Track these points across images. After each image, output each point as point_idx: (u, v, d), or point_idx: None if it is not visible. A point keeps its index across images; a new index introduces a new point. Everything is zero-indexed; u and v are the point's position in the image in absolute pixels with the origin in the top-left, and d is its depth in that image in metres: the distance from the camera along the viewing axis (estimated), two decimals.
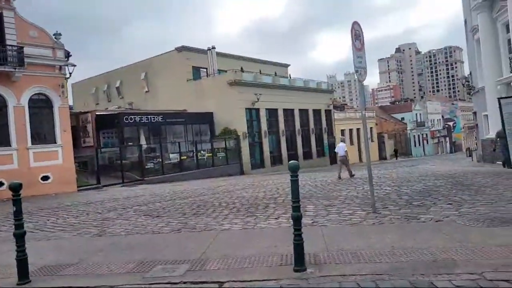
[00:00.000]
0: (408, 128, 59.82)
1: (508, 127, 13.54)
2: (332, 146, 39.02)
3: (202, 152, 27.19)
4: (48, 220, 9.20)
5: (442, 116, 71.30)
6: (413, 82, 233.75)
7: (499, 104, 13.86)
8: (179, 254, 5.06)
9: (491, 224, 5.47)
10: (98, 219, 8.66)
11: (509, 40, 16.61)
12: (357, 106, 71.78)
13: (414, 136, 60.90)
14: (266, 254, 4.69)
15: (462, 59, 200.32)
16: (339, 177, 14.36)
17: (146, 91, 36.03)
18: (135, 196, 13.27)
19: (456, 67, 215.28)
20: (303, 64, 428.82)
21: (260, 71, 37.90)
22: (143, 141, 25.28)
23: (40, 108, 18.47)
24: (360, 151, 42.90)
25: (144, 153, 23.75)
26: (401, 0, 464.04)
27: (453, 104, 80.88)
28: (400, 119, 61.86)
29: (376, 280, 3.61)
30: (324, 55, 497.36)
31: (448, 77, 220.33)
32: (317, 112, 38.38)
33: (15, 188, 4.36)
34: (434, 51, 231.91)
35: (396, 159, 47.09)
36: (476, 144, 25.22)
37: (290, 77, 40.32)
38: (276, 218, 7.11)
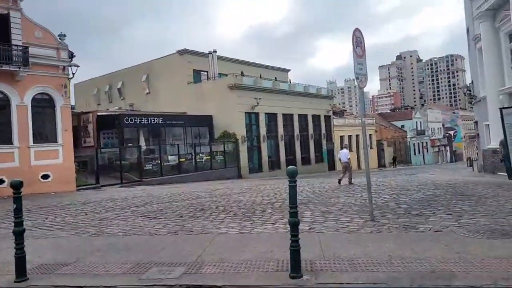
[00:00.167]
0: (408, 136, 59.62)
1: (510, 138, 13.51)
2: (330, 152, 39.05)
3: (200, 155, 27.26)
4: (46, 218, 9.21)
5: (443, 125, 71.09)
6: (414, 90, 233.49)
7: (501, 114, 13.85)
8: (176, 256, 5.06)
9: (491, 236, 5.39)
10: (96, 219, 8.66)
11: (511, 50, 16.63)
12: (357, 113, 71.78)
13: (414, 144, 60.66)
14: (262, 259, 4.68)
15: (464, 68, 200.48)
16: (339, 183, 14.52)
17: (147, 93, 36.15)
18: (133, 197, 13.26)
19: (457, 76, 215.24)
20: (303, 70, 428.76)
21: (260, 75, 37.95)
22: (142, 143, 25.36)
23: (43, 107, 18.53)
24: (359, 158, 42.80)
25: (143, 155, 23.84)
26: (402, 7, 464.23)
27: (454, 113, 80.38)
28: (400, 127, 61.67)
29: None
30: (325, 61, 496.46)
31: (449, 85, 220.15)
32: (316, 118, 38.37)
33: (16, 186, 4.42)
34: (435, 59, 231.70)
35: (395, 167, 46.92)
36: (477, 154, 25.13)
37: (290, 82, 40.37)
38: (273, 223, 7.10)
